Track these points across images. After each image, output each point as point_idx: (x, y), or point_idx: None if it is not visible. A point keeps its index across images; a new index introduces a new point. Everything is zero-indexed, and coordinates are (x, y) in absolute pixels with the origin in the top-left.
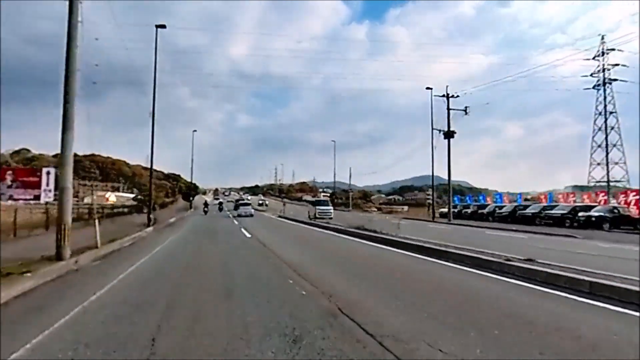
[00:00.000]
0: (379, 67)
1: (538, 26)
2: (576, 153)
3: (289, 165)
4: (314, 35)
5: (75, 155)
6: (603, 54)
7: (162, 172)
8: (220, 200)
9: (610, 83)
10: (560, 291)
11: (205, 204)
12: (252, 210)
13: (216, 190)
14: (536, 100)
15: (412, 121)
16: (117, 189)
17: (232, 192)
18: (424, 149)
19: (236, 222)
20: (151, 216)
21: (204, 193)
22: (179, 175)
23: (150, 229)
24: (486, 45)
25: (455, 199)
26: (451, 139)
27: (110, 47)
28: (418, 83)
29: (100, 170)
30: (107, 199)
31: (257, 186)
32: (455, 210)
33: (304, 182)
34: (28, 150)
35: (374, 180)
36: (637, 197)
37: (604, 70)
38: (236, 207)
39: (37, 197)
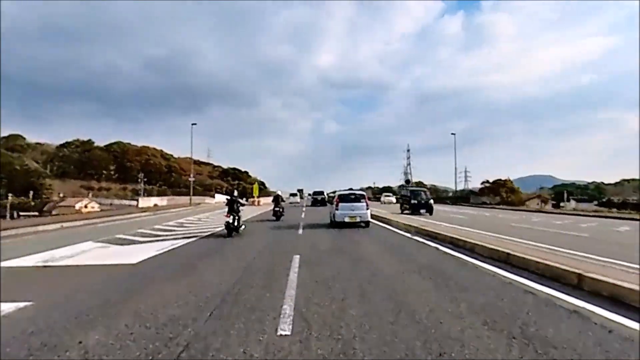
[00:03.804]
0: (476, 61)
1: None
2: None
3: (377, 170)
4: (404, 34)
5: (77, 145)
6: None
7: (220, 168)
8: (297, 196)
9: None
10: None
11: (277, 200)
12: (368, 214)
13: (300, 190)
14: None
15: (511, 118)
16: (137, 192)
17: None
18: (523, 147)
19: None
20: None
21: (279, 199)
22: (245, 172)
23: None
24: (606, 24)
25: None
26: None
27: (206, 66)
28: (521, 75)
29: (118, 164)
30: (81, 208)
31: (351, 189)
32: None
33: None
34: (19, 137)
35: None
36: None
37: None
38: (315, 203)
39: None
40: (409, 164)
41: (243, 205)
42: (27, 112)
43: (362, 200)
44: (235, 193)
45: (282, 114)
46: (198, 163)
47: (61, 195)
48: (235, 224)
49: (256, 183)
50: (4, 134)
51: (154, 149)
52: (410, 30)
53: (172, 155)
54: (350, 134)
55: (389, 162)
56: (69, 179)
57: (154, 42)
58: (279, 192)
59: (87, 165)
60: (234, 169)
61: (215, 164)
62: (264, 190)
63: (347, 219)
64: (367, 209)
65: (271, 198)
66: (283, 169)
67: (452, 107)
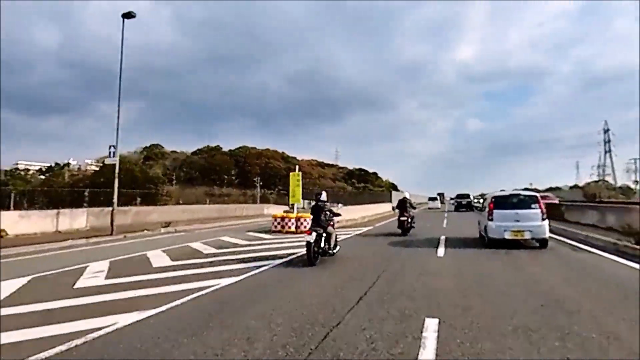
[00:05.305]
0: None
1: None
2: None
3: (533, 168)
4: (562, 11)
5: (205, 151)
6: None
7: (346, 169)
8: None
9: None
10: None
11: (402, 206)
12: (546, 226)
13: (441, 194)
14: None
15: None
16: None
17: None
18: None
19: None
20: None
21: (406, 204)
22: (374, 174)
23: None
24: None
25: None
26: None
27: (344, 74)
28: None
29: (239, 168)
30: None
31: (502, 191)
32: None
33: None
34: (158, 146)
35: None
36: None
37: None
38: (459, 207)
39: None
40: (607, 152)
41: (337, 214)
42: (198, 130)
43: (533, 206)
44: (323, 196)
45: (420, 114)
46: (322, 165)
47: (180, 202)
48: (322, 244)
49: (297, 170)
50: (146, 144)
51: (275, 151)
52: (571, 5)
53: (294, 158)
54: (496, 130)
55: (547, 159)
56: (195, 185)
57: (296, 59)
58: (407, 195)
59: (210, 171)
60: (360, 169)
61: (341, 165)
62: (392, 194)
63: (507, 235)
64: (543, 219)
65: (384, 205)
66: (420, 172)
67: (630, 89)
